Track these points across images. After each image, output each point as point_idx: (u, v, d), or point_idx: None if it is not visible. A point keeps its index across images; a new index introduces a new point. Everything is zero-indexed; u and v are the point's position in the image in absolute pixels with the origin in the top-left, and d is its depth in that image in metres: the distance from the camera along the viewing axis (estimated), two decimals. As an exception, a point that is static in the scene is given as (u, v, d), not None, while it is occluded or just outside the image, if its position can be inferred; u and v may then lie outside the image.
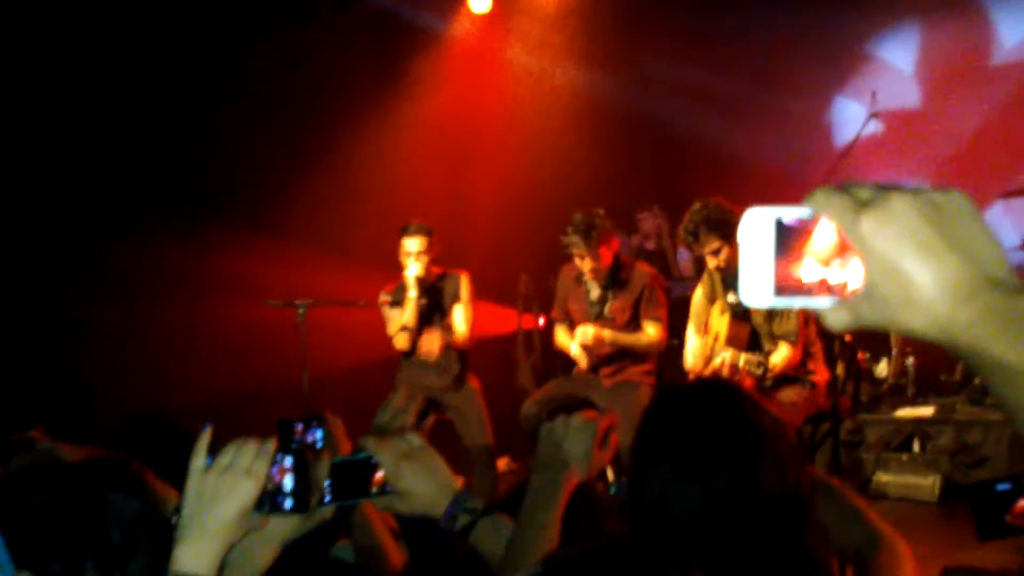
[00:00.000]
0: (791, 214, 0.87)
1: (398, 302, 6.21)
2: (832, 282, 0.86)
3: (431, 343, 6.08)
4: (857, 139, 7.36)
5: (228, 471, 1.58)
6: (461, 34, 9.58)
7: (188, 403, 5.65)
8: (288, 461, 1.65)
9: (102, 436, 2.55)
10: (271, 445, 1.63)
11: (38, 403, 6.35)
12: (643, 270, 5.82)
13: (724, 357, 5.11)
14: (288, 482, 1.64)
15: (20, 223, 7.24)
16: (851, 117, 8.64)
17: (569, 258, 5.78)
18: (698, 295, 5.54)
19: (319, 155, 8.51)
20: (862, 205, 0.83)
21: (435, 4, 9.42)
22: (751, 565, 1.65)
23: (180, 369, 7.52)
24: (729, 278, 5.29)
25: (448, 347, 6.13)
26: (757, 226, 0.88)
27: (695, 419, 1.78)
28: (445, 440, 6.31)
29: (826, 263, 0.87)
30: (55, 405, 6.42)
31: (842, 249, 0.86)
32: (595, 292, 5.64)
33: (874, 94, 7.60)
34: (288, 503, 1.63)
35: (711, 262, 5.24)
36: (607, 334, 5.62)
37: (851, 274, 0.86)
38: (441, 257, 6.17)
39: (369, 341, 6.47)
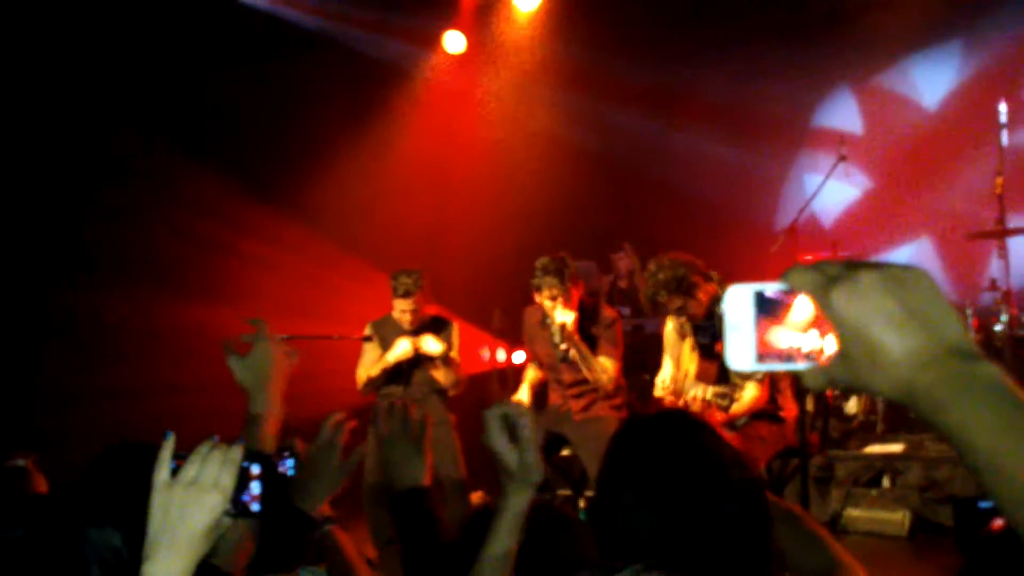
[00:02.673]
0: (769, 289, 0.97)
1: (377, 335, 6.22)
2: (808, 348, 0.96)
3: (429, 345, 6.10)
4: (827, 179, 7.46)
5: (194, 485, 1.54)
6: (436, 74, 9.66)
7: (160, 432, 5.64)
8: (255, 468, 1.64)
9: (84, 463, 2.57)
10: (236, 453, 1.59)
11: (21, 428, 6.34)
12: (607, 312, 5.87)
13: (695, 392, 5.19)
14: (255, 487, 1.63)
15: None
16: (822, 157, 8.75)
17: (531, 301, 5.81)
18: (668, 328, 5.60)
19: (293, 191, 8.54)
20: (832, 280, 0.91)
21: (410, 44, 9.50)
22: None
23: (154, 404, 7.50)
24: (695, 327, 5.38)
25: (427, 381, 6.15)
26: (739, 299, 0.98)
27: (656, 449, 1.81)
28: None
29: (802, 331, 0.96)
30: (35, 433, 6.41)
31: (816, 319, 0.94)
32: (559, 333, 5.66)
33: (841, 137, 7.71)
34: (255, 507, 1.63)
35: (675, 320, 5.37)
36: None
37: (825, 341, 0.94)
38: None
39: (347, 373, 6.47)
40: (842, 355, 0.92)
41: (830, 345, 0.93)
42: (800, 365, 0.96)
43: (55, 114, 7.73)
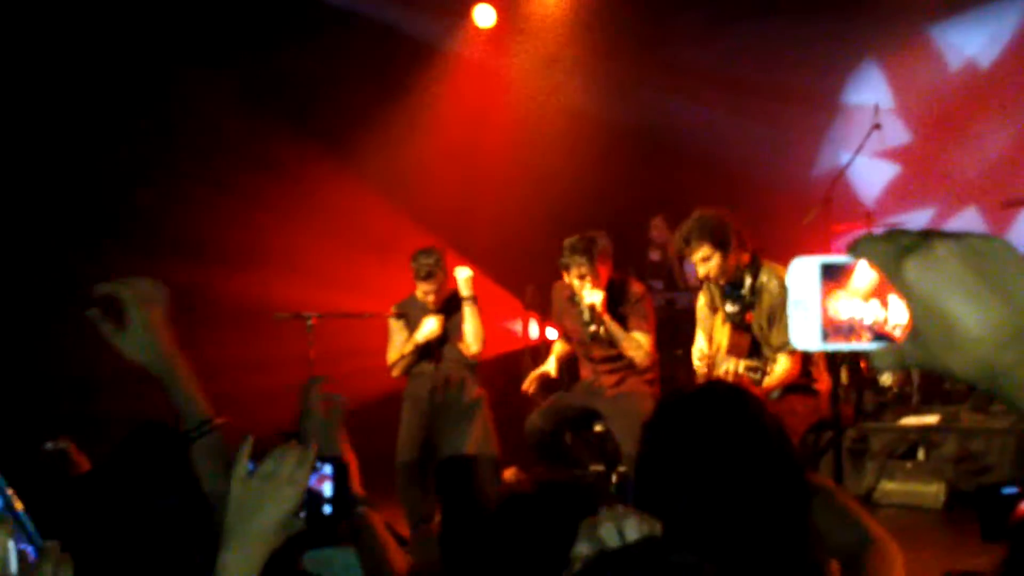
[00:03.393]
0: (836, 261, 0.91)
1: (405, 315, 6.26)
2: (877, 326, 0.89)
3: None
4: (861, 149, 7.39)
5: (270, 479, 1.62)
6: (466, 49, 9.63)
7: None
8: (327, 468, 1.71)
9: (111, 444, 2.60)
10: (311, 453, 1.67)
11: (52, 413, 6.42)
12: (635, 288, 5.84)
13: (727, 366, 5.16)
14: (327, 488, 1.70)
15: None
16: (855, 129, 8.67)
17: (561, 276, 5.81)
18: (701, 303, 5.57)
19: (325, 168, 8.57)
20: (905, 251, 0.85)
21: (439, 19, 9.47)
22: (754, 564, 1.69)
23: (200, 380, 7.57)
24: (724, 289, 5.34)
25: (456, 358, 6.18)
26: (803, 273, 0.91)
27: (701, 421, 1.80)
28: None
29: (871, 308, 0.90)
30: (67, 414, 6.49)
31: (886, 294, 0.88)
32: (588, 312, 5.65)
33: (876, 106, 7.63)
34: (327, 509, 1.70)
35: (700, 269, 5.25)
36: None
37: (895, 317, 0.88)
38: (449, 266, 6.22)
39: (379, 352, 6.50)
40: (915, 333, 0.85)
41: (901, 321, 0.88)
42: (869, 345, 0.90)
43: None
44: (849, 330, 0.90)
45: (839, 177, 7.21)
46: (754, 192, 8.16)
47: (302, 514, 1.65)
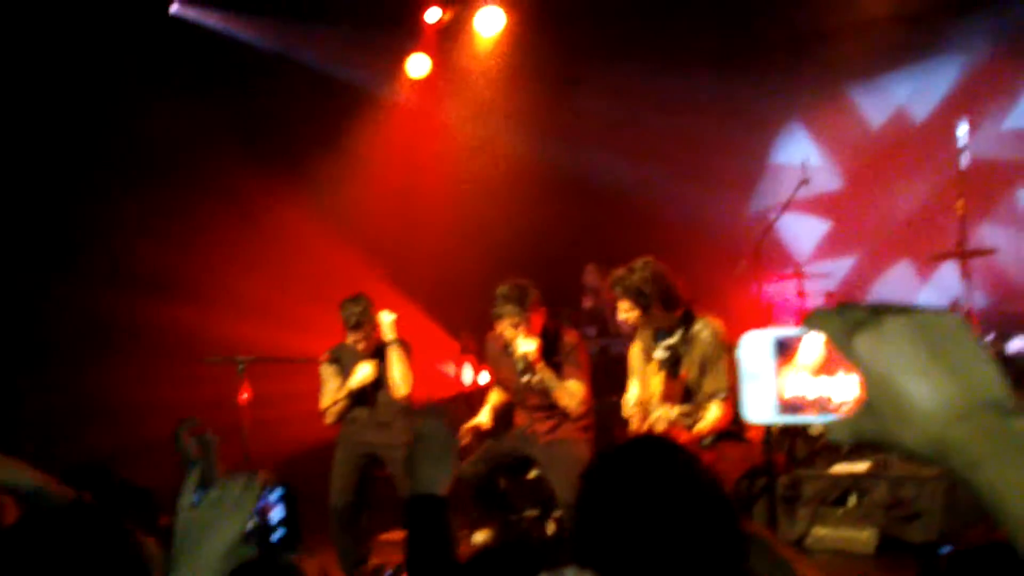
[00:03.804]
0: (789, 335, 0.91)
1: (338, 360, 6.23)
2: (832, 399, 0.89)
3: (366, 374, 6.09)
4: (788, 204, 7.53)
5: (216, 505, 1.61)
6: (399, 97, 9.69)
7: (129, 455, 5.58)
8: (275, 494, 1.71)
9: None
10: (258, 480, 1.67)
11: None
12: (568, 336, 5.84)
13: (660, 413, 5.19)
14: (277, 514, 1.70)
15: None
16: (784, 180, 8.82)
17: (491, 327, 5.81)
18: (635, 349, 5.60)
19: (257, 214, 8.52)
20: (856, 326, 0.85)
21: (373, 67, 9.51)
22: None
23: (117, 422, 7.43)
24: (655, 335, 5.38)
25: (391, 403, 6.14)
26: (756, 347, 0.91)
27: (635, 475, 1.82)
28: (386, 496, 6.29)
29: (817, 383, 0.90)
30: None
31: (832, 369, 0.88)
32: (522, 361, 5.65)
33: (804, 162, 7.79)
34: (276, 535, 1.69)
35: (621, 316, 5.38)
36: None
37: (841, 394, 0.88)
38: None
39: (310, 395, 6.45)
40: (868, 406, 0.86)
41: (846, 397, 0.88)
42: (823, 417, 0.90)
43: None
44: (799, 405, 0.90)
45: (768, 229, 7.33)
46: (685, 241, 8.25)
47: (254, 539, 1.65)
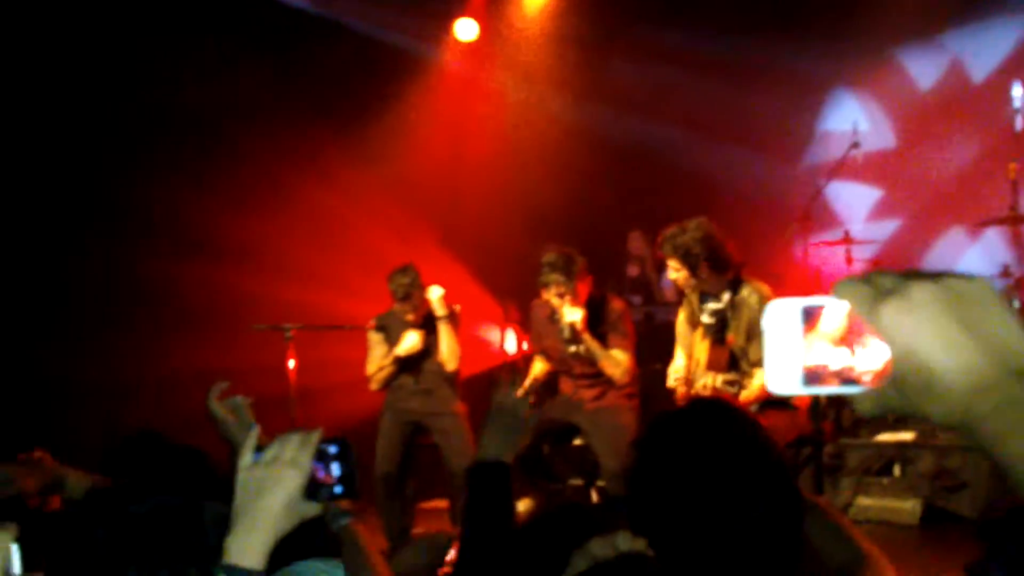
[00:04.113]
0: (815, 303, 0.88)
1: (385, 328, 6.25)
2: (858, 369, 0.87)
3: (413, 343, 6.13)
4: (838, 168, 7.45)
5: (272, 463, 1.63)
6: (448, 62, 9.66)
7: (176, 424, 5.66)
8: (333, 449, 1.72)
9: (98, 455, 2.59)
10: (315, 435, 1.69)
11: (33, 423, 6.38)
12: (614, 305, 5.83)
13: (705, 381, 5.17)
14: (335, 469, 1.71)
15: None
16: (832, 146, 8.72)
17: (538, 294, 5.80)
18: (680, 319, 5.58)
19: (302, 182, 8.55)
20: (884, 295, 0.83)
21: (422, 32, 9.49)
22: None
23: (170, 393, 7.51)
24: (700, 297, 5.36)
25: (436, 372, 6.17)
26: (782, 316, 0.89)
27: (694, 437, 1.79)
28: (431, 464, 6.33)
29: (851, 351, 0.87)
30: (52, 425, 6.45)
31: (855, 338, 0.86)
32: (568, 331, 5.64)
33: (855, 123, 7.70)
34: (337, 489, 1.71)
35: (671, 275, 5.37)
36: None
37: (863, 364, 0.86)
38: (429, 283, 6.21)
39: (357, 363, 6.48)
40: (894, 377, 0.84)
41: (869, 366, 0.86)
42: (850, 389, 0.87)
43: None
44: (825, 375, 0.88)
45: (817, 194, 7.27)
46: (732, 207, 8.17)
47: (316, 496, 1.66)
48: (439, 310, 6.10)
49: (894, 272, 0.86)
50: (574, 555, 1.68)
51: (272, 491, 1.61)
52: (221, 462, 2.46)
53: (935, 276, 0.83)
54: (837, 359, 0.87)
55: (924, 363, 0.81)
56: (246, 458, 1.66)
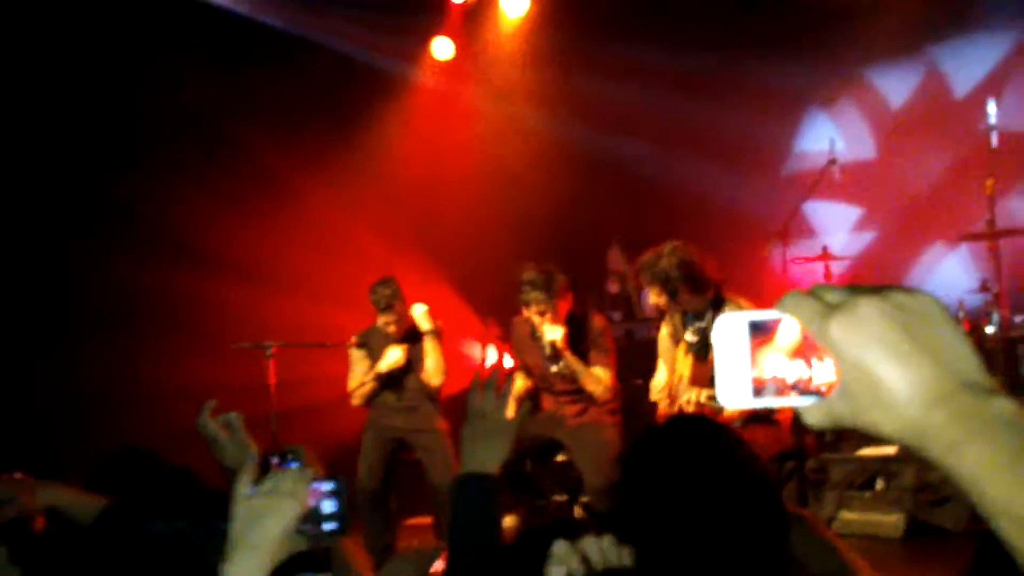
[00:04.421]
0: (763, 318, 0.89)
1: (366, 344, 6.24)
2: (802, 384, 0.87)
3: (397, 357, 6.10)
4: (816, 184, 7.49)
5: (271, 493, 1.67)
6: (424, 80, 9.69)
7: (156, 441, 5.62)
8: (328, 486, 1.76)
9: (80, 473, 2.56)
10: (310, 471, 1.73)
11: (12, 444, 6.34)
12: (595, 321, 5.82)
13: (689, 396, 5.17)
14: (328, 505, 1.75)
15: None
16: (815, 151, 8.76)
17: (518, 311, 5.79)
18: (663, 334, 5.58)
19: (282, 198, 8.55)
20: (831, 309, 0.83)
21: (398, 50, 9.52)
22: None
23: (148, 408, 7.47)
24: (685, 317, 5.37)
25: (419, 388, 6.16)
26: (731, 330, 0.89)
27: (680, 452, 1.80)
28: (414, 480, 6.31)
29: (795, 365, 0.88)
30: (29, 445, 6.40)
31: (816, 350, 0.86)
32: (549, 348, 5.63)
33: (832, 140, 7.75)
34: (328, 525, 1.75)
35: (668, 325, 5.42)
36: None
37: (820, 375, 0.86)
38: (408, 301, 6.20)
39: (339, 380, 6.46)
40: (843, 391, 0.83)
41: (823, 377, 0.86)
42: (799, 400, 0.87)
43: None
44: (775, 388, 0.88)
45: (795, 211, 7.30)
46: (711, 223, 8.21)
47: (308, 530, 1.71)
48: (424, 324, 6.09)
49: (839, 286, 0.86)
50: (550, 561, 1.65)
51: (271, 519, 1.65)
52: (207, 477, 2.44)
53: (881, 290, 0.84)
54: (793, 371, 0.87)
55: (874, 377, 0.81)
56: (243, 486, 1.69)
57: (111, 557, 1.64)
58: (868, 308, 0.82)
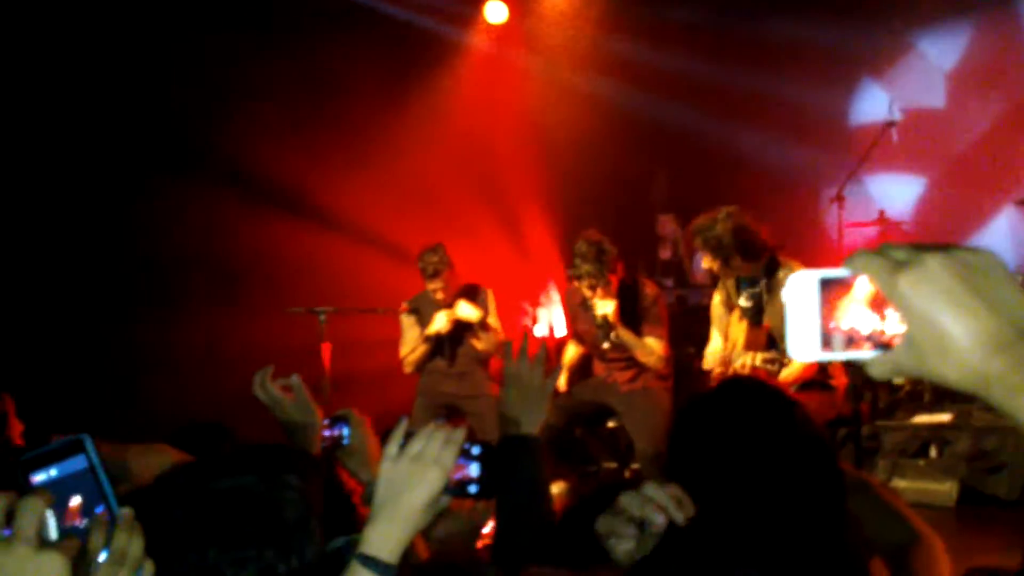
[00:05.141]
0: (834, 275, 0.94)
1: (417, 310, 6.27)
2: (876, 335, 0.93)
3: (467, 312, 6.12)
4: (874, 146, 7.39)
5: (418, 459, 1.67)
6: (478, 44, 9.66)
7: (210, 407, 5.70)
8: (476, 450, 1.74)
9: (140, 439, 2.59)
10: (459, 435, 1.71)
11: (80, 409, 6.45)
12: (647, 290, 5.80)
13: (744, 360, 5.15)
14: (474, 470, 1.73)
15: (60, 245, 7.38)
16: (870, 119, 8.64)
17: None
18: (715, 301, 5.55)
19: (338, 165, 8.57)
20: (898, 265, 0.89)
21: (451, 14, 9.50)
22: (796, 561, 1.67)
23: (204, 375, 7.56)
24: (738, 282, 5.34)
25: (470, 354, 6.17)
26: (801, 287, 0.95)
27: (734, 415, 1.80)
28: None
29: (870, 318, 0.93)
30: (95, 411, 6.52)
31: (881, 305, 0.92)
32: (601, 322, 5.62)
33: (892, 103, 7.62)
34: (473, 489, 1.73)
35: (722, 292, 5.42)
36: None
37: (893, 327, 0.91)
38: (460, 265, 6.21)
39: (392, 346, 6.50)
40: (909, 343, 0.89)
41: (896, 331, 0.91)
42: (866, 354, 0.93)
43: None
44: (849, 340, 0.94)
45: (851, 175, 7.21)
46: (765, 190, 8.14)
47: (450, 491, 1.69)
48: (469, 316, 6.07)
49: (905, 244, 0.92)
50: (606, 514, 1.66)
51: (416, 488, 1.64)
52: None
53: (946, 247, 0.89)
54: (868, 323, 0.93)
55: (940, 329, 0.87)
56: (392, 449, 1.68)
57: (182, 516, 1.64)
58: (935, 264, 0.88)
